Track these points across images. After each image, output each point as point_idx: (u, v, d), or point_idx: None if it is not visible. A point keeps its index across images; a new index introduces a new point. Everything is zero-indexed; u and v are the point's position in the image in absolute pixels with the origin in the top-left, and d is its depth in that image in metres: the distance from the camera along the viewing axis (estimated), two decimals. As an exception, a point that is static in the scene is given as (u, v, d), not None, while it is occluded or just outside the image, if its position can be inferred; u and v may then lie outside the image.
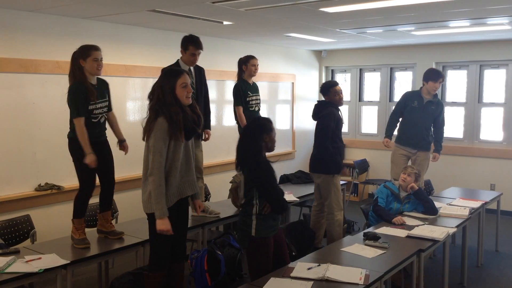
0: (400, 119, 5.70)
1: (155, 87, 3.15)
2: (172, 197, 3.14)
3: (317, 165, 4.81)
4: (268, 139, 3.33)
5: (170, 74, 3.18)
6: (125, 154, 3.98)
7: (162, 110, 3.06)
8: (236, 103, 4.95)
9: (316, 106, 4.88)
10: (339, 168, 4.77)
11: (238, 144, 3.42)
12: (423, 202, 4.50)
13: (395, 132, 5.78)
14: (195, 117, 3.18)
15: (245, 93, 4.92)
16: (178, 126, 3.05)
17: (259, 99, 5.10)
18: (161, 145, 3.03)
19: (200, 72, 4.49)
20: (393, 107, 5.92)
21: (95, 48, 3.62)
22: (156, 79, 3.23)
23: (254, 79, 5.12)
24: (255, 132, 3.35)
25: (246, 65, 4.95)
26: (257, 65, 4.99)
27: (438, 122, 5.61)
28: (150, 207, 3.12)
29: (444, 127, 5.70)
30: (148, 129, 3.09)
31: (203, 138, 4.55)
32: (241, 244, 3.70)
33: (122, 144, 3.96)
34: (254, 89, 5.05)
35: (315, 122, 4.85)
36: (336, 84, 4.84)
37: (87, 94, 3.56)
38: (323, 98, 4.87)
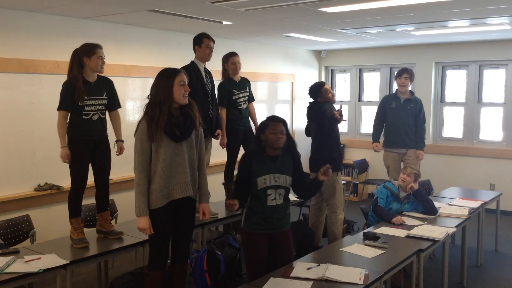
0: (384, 124, 5.91)
1: (151, 86, 3.13)
2: (161, 198, 3.09)
3: (320, 164, 4.81)
4: (264, 138, 3.33)
5: (167, 73, 3.11)
6: (117, 154, 3.91)
7: (147, 110, 3.06)
8: (218, 104, 4.74)
9: (309, 108, 4.89)
10: (340, 165, 4.88)
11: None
12: (423, 202, 4.49)
13: (382, 138, 5.94)
14: (181, 119, 3.07)
15: (230, 93, 4.73)
16: (157, 127, 3.00)
17: (247, 95, 4.88)
18: (139, 145, 3.04)
19: (210, 75, 4.56)
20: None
21: (100, 47, 3.68)
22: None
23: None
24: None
25: (227, 63, 4.78)
26: (237, 62, 4.76)
27: (419, 119, 5.79)
28: None
29: (425, 124, 5.87)
30: (136, 129, 3.11)
31: (216, 135, 4.57)
32: None
33: (117, 144, 3.93)
34: (241, 86, 4.83)
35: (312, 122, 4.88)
36: (324, 83, 4.92)
37: (75, 92, 3.55)
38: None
